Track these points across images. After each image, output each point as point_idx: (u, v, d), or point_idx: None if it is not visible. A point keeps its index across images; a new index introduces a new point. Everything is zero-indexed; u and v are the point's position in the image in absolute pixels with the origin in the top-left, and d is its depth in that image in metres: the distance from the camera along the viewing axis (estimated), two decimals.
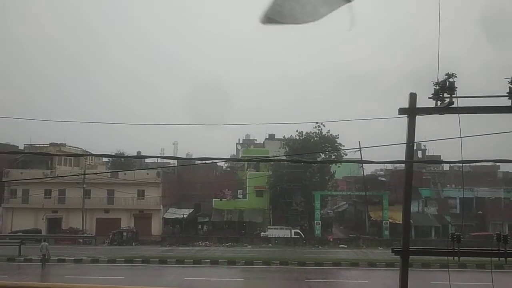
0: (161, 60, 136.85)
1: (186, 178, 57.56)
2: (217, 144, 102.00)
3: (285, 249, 41.54)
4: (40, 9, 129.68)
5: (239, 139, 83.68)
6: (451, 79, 8.02)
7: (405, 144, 8.35)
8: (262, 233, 47.81)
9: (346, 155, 49.55)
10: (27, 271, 30.51)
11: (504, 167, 68.73)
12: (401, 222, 8.97)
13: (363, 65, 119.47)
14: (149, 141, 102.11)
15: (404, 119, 8.34)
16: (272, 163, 49.89)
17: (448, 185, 59.65)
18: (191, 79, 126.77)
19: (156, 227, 50.38)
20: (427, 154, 69.79)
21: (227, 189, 53.58)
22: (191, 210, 51.74)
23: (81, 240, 45.94)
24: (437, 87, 8.07)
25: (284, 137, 54.53)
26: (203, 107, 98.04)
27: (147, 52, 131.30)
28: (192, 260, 33.42)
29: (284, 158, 42.96)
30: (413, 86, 60.26)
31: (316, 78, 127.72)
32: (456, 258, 8.00)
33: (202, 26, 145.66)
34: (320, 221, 49.18)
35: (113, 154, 51.58)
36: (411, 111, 8.19)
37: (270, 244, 44.80)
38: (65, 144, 58.81)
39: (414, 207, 47.42)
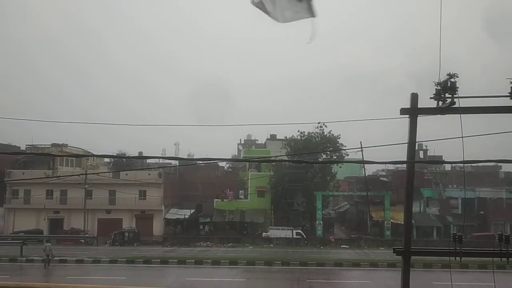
0: (162, 60, 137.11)
1: (187, 178, 57.59)
2: (218, 144, 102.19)
3: (287, 249, 41.53)
4: (42, 10, 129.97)
5: (240, 140, 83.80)
6: (452, 79, 8.00)
7: (406, 144, 8.34)
8: (264, 233, 47.81)
9: (347, 155, 49.59)
10: (29, 272, 30.57)
11: (506, 167, 68.70)
12: (402, 223, 8.96)
13: (364, 65, 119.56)
14: (151, 142, 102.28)
15: (406, 119, 8.33)
16: (274, 163, 49.88)
17: (449, 185, 59.63)
18: (192, 80, 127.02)
19: (157, 227, 50.41)
20: (428, 154, 69.79)
21: (228, 190, 53.57)
22: (192, 211, 51.76)
23: (82, 241, 45.98)
24: (439, 87, 8.05)
25: (285, 137, 54.56)
26: (205, 108, 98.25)
27: (148, 53, 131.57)
28: (193, 260, 33.45)
29: (285, 158, 42.94)
30: (414, 86, 60.25)
31: (317, 78, 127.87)
32: (458, 258, 7.98)
33: (203, 26, 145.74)
34: (321, 222, 49.17)
35: (114, 154, 51.51)
36: (413, 112, 8.18)
37: (271, 245, 44.80)
38: (67, 144, 58.91)
39: (416, 208, 47.41)
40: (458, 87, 8.01)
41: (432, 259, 28.19)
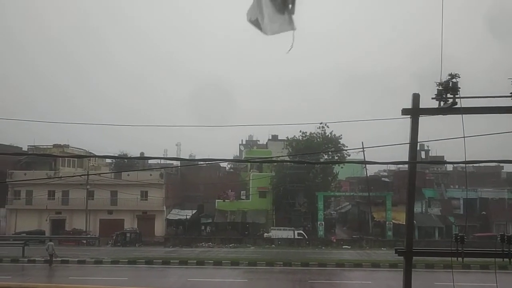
0: (163, 60, 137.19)
1: (189, 179, 57.61)
2: (220, 145, 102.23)
3: (288, 250, 41.51)
4: (43, 10, 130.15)
5: (242, 140, 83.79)
6: (454, 80, 8.00)
7: (408, 145, 8.34)
8: (265, 234, 47.78)
9: (349, 155, 49.55)
10: (30, 272, 30.62)
11: (507, 168, 68.55)
12: (404, 223, 8.95)
13: (366, 65, 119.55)
14: (152, 142, 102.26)
15: (407, 119, 8.33)
16: (275, 164, 49.87)
17: (451, 186, 59.52)
18: (193, 80, 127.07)
19: (159, 228, 50.43)
20: (430, 154, 69.65)
21: (230, 190, 53.58)
22: (194, 211, 51.77)
23: (84, 241, 46.03)
24: (440, 88, 8.05)
25: (287, 137, 54.56)
26: (206, 108, 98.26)
27: (149, 53, 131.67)
28: (195, 261, 33.45)
29: (287, 159, 42.93)
30: (416, 86, 60.19)
31: (319, 78, 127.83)
32: (459, 259, 7.98)
33: (204, 26, 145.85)
34: (323, 222, 49.14)
35: (116, 155, 51.55)
36: (414, 112, 8.18)
37: (273, 245, 44.78)
38: (69, 145, 58.98)
39: (418, 208, 47.31)
40: (460, 88, 8.01)
41: (434, 259, 28.16)
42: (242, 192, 55.07)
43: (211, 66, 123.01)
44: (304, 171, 49.13)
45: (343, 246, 44.63)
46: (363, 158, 43.36)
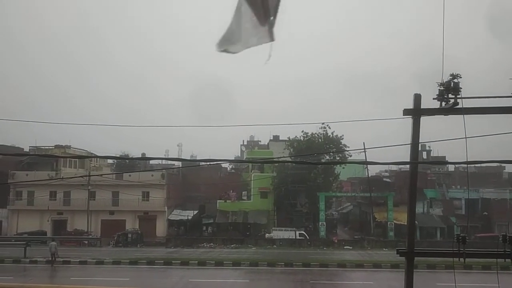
0: (164, 61, 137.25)
1: (190, 179, 57.62)
2: (221, 145, 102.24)
3: (290, 250, 41.49)
4: (45, 11, 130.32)
5: (243, 141, 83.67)
6: (455, 80, 8.00)
7: (409, 145, 8.33)
8: (267, 234, 47.76)
9: (350, 156, 49.49)
10: (32, 273, 30.64)
11: (509, 168, 68.51)
12: (406, 223, 8.95)
13: (367, 65, 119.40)
14: (154, 143, 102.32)
15: (409, 119, 8.32)
16: (277, 164, 49.86)
17: (453, 186, 59.45)
18: (195, 80, 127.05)
19: (160, 228, 50.44)
20: (432, 155, 69.57)
21: (231, 191, 53.59)
22: (195, 212, 51.78)
23: (86, 242, 46.05)
24: (442, 88, 8.05)
25: (288, 138, 54.54)
26: (207, 108, 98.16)
27: (150, 53, 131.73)
28: (196, 261, 33.46)
29: (288, 159, 42.93)
30: (418, 86, 60.18)
31: (320, 78, 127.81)
32: (461, 259, 7.97)
33: (205, 26, 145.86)
34: (324, 223, 49.11)
35: (117, 156, 51.62)
36: (416, 112, 8.18)
37: (274, 246, 44.76)
38: (70, 146, 59.02)
39: (419, 208, 47.26)
40: (461, 88, 8.00)
41: (435, 260, 28.12)
42: (243, 192, 55.07)
43: (211, 66, 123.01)
44: (305, 171, 49.11)
45: (345, 247, 44.60)
46: (364, 158, 43.36)
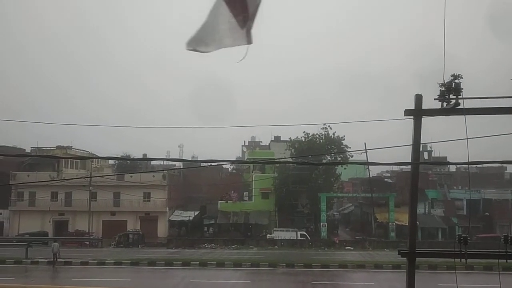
0: (165, 61, 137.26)
1: (191, 180, 57.64)
2: (222, 146, 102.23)
3: (291, 251, 41.47)
4: (45, 10, 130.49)
5: (244, 141, 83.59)
6: (456, 81, 8.00)
7: (411, 146, 8.33)
8: (268, 235, 47.76)
9: (352, 156, 49.48)
10: (34, 274, 30.65)
11: (511, 168, 68.39)
12: (407, 224, 8.94)
13: (368, 65, 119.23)
14: (155, 144, 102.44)
15: (410, 119, 8.32)
16: (278, 165, 49.85)
17: (454, 187, 59.41)
18: (195, 81, 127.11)
19: (162, 229, 50.46)
20: (433, 155, 69.51)
21: (233, 191, 53.61)
22: (197, 212, 51.79)
23: (87, 243, 46.10)
24: (443, 89, 8.05)
25: (290, 138, 54.54)
26: (208, 109, 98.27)
27: (152, 54, 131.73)
28: (198, 262, 33.45)
29: (289, 160, 42.94)
30: (419, 85, 60.10)
31: (321, 79, 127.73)
32: (463, 260, 7.96)
33: None
34: (326, 223, 49.09)
35: (119, 156, 51.69)
36: (417, 113, 8.17)
37: (276, 246, 44.73)
38: (72, 147, 59.10)
39: (421, 209, 47.21)
40: (462, 88, 8.00)
41: (437, 260, 28.08)
42: (244, 193, 55.08)
43: (212, 67, 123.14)
44: (306, 172, 49.10)
45: (346, 247, 44.57)
46: (365, 159, 43.34)
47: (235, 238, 47.56)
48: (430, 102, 8.21)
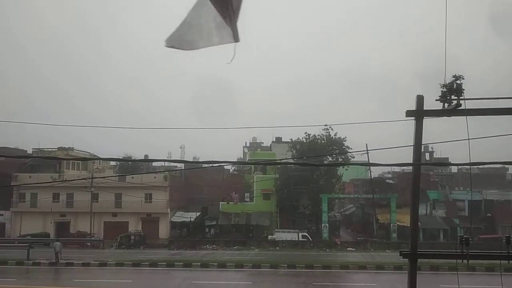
0: (165, 61, 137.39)
1: (193, 181, 57.66)
2: (223, 147, 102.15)
3: (293, 252, 41.46)
4: (45, 10, 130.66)
5: (246, 142, 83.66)
6: (458, 81, 7.99)
7: (412, 146, 8.33)
8: (270, 236, 47.75)
9: (353, 157, 49.46)
10: (35, 275, 30.68)
11: None
12: (409, 225, 8.94)
13: (370, 66, 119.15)
14: (156, 145, 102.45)
15: (412, 120, 8.31)
16: (279, 166, 49.83)
17: (456, 188, 59.35)
18: (197, 82, 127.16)
19: (163, 230, 50.48)
20: (435, 156, 69.47)
21: (234, 192, 53.62)
22: (198, 214, 51.81)
23: (89, 244, 46.15)
24: (445, 90, 8.05)
25: (291, 139, 54.55)
26: (209, 110, 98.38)
27: (152, 54, 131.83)
28: (199, 263, 33.45)
29: (291, 161, 42.93)
30: (421, 86, 60.05)
31: (322, 79, 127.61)
32: (465, 261, 7.96)
33: None
34: (327, 224, 49.05)
35: (120, 158, 51.68)
36: (418, 114, 8.17)
37: (277, 248, 44.72)
38: (73, 148, 59.17)
39: (422, 210, 47.24)
40: (464, 89, 8.00)
41: (439, 261, 28.04)
42: (246, 194, 55.08)
43: (212, 68, 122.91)
44: (308, 173, 49.09)
45: (348, 248, 44.54)
46: (367, 159, 43.34)
47: (237, 239, 47.56)
48: (432, 102, 8.21)
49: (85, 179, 44.99)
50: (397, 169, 64.80)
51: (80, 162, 57.00)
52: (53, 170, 53.21)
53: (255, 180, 53.44)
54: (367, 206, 54.05)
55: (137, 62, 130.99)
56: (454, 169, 66.42)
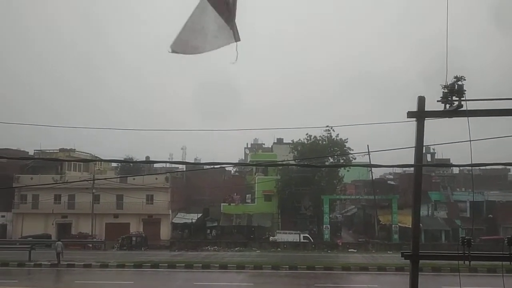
0: (166, 61, 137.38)
1: (194, 182, 57.68)
2: (225, 148, 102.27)
3: (294, 253, 41.43)
4: (57, 11, 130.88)
5: (247, 144, 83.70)
6: (459, 82, 7.99)
7: (414, 148, 8.32)
8: (271, 237, 47.74)
9: (354, 159, 49.45)
10: (37, 276, 30.69)
11: None
12: (410, 226, 8.93)
13: (371, 65, 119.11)
14: (158, 146, 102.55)
15: (413, 121, 8.31)
16: (281, 167, 49.86)
17: (457, 189, 59.27)
18: (198, 84, 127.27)
19: (165, 232, 50.49)
20: (436, 157, 69.36)
21: (235, 194, 53.62)
22: (199, 215, 51.81)
23: (90, 245, 46.15)
24: (446, 91, 8.04)
25: (292, 141, 54.55)
26: (211, 112, 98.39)
27: (153, 54, 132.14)
28: (201, 264, 33.42)
29: (292, 162, 42.92)
30: (422, 85, 60.01)
31: (323, 78, 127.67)
32: (466, 262, 7.95)
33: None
34: (329, 225, 49.02)
35: (122, 159, 51.69)
36: (420, 115, 8.16)
37: (279, 249, 44.71)
38: (75, 149, 59.26)
39: (424, 211, 47.18)
40: (465, 90, 7.99)
41: (440, 263, 27.97)
42: (247, 195, 55.10)
43: (213, 69, 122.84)
44: (309, 174, 49.09)
45: (349, 250, 44.52)
46: (368, 161, 43.34)
47: (238, 240, 47.56)
48: (434, 103, 8.21)
49: (87, 180, 45.00)
50: (398, 170, 64.76)
51: (82, 163, 57.11)
52: (55, 171, 53.30)
53: (256, 182, 53.46)
54: (369, 207, 54.02)
55: (137, 62, 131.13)
56: (455, 170, 66.33)
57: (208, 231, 50.92)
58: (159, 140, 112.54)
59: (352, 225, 61.85)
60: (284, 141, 62.62)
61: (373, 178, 52.58)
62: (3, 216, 50.80)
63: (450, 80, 8.04)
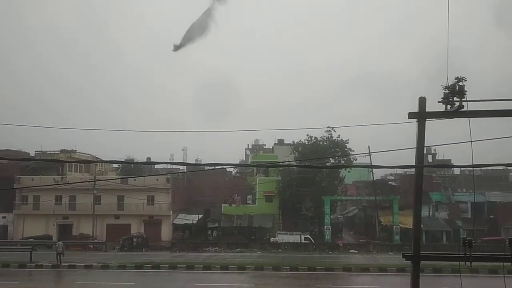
0: (167, 61, 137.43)
1: (195, 183, 57.69)
2: (226, 149, 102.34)
3: (295, 254, 41.42)
4: (57, 11, 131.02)
5: (248, 145, 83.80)
6: (460, 83, 7.98)
7: (415, 148, 8.32)
8: (272, 238, 47.72)
9: (355, 159, 49.44)
10: (38, 277, 30.71)
11: None
12: (411, 227, 8.92)
13: (371, 66, 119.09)
14: (159, 147, 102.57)
15: (414, 121, 8.31)
16: (282, 168, 49.86)
17: (459, 189, 59.24)
18: (198, 84, 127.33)
19: (166, 233, 50.49)
20: (437, 158, 69.40)
21: (236, 195, 53.60)
22: (200, 216, 51.80)
23: (91, 246, 46.15)
24: (447, 91, 8.04)
25: (293, 141, 54.55)
26: (211, 112, 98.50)
27: (153, 54, 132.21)
28: (202, 265, 33.43)
29: (293, 163, 42.93)
30: (422, 87, 59.99)
31: (324, 78, 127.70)
32: (468, 263, 7.94)
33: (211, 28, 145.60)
34: (330, 226, 49.01)
35: (123, 160, 51.78)
36: (421, 116, 8.16)
37: (280, 250, 44.71)
38: (76, 150, 59.27)
39: (425, 212, 47.14)
40: (466, 91, 7.99)
41: (441, 263, 27.95)
42: (248, 196, 55.08)
43: (213, 69, 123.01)
44: (310, 175, 49.08)
45: (350, 251, 44.50)
46: (369, 161, 43.35)
47: (239, 241, 47.55)
48: (435, 104, 8.21)
49: (88, 181, 45.04)
50: (399, 171, 64.82)
51: (83, 164, 57.13)
52: (56, 172, 53.29)
53: (257, 182, 53.45)
54: (370, 208, 53.98)
55: (137, 62, 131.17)
56: (456, 171, 66.46)
57: (209, 232, 50.92)
58: (160, 141, 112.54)
59: (353, 226, 61.82)
60: (285, 142, 62.68)
61: (374, 179, 52.55)
62: (4, 217, 50.83)
63: (451, 81, 8.04)
